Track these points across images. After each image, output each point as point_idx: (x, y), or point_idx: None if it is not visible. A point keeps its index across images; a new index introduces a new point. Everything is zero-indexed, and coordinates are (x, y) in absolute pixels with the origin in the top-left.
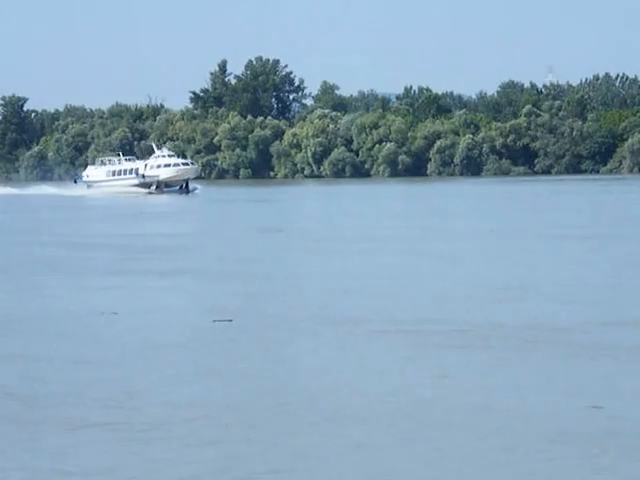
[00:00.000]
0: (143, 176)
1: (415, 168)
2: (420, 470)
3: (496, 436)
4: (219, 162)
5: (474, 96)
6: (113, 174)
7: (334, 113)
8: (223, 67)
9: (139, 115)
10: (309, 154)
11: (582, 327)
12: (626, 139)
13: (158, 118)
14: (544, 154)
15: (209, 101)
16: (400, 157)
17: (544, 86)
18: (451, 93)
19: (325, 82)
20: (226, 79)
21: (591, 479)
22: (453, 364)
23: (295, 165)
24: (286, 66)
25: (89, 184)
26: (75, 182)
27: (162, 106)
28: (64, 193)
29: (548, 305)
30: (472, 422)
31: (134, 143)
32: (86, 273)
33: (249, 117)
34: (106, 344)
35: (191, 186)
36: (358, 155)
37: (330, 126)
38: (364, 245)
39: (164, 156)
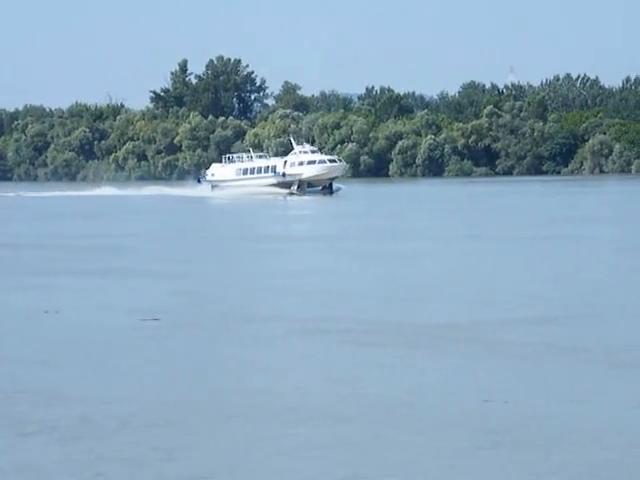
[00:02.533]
0: (284, 174)
1: (377, 169)
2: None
3: (383, 427)
4: (180, 162)
5: (436, 96)
6: (244, 172)
7: (296, 113)
8: (184, 67)
9: (99, 115)
10: (271, 154)
11: (484, 325)
12: (587, 140)
13: (118, 118)
14: (505, 155)
15: (170, 101)
16: (362, 157)
17: (505, 87)
18: (413, 93)
19: (286, 82)
20: (187, 79)
21: (473, 468)
22: (359, 361)
23: None
24: (247, 66)
25: (214, 184)
26: (199, 182)
27: (122, 106)
28: (186, 194)
29: (458, 304)
30: (368, 414)
31: (94, 143)
32: (24, 273)
33: (210, 117)
34: (30, 341)
35: (335, 186)
36: None
37: (292, 126)
38: (304, 244)
39: (306, 152)
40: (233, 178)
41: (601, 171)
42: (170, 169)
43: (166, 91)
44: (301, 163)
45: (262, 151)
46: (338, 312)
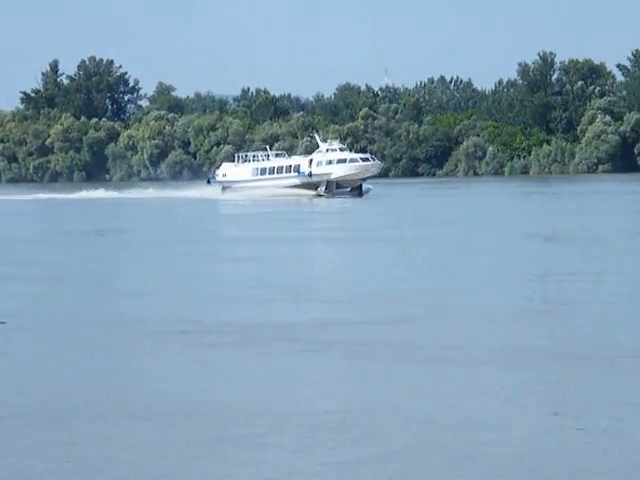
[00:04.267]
0: (310, 174)
1: None
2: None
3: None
4: (52, 164)
5: (311, 98)
6: (262, 172)
7: (170, 115)
8: (55, 67)
9: None
10: (145, 156)
11: (326, 325)
12: (461, 142)
13: None
14: (381, 157)
15: (41, 102)
16: None
17: (380, 89)
18: (288, 95)
19: (161, 83)
20: (58, 79)
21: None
22: (187, 362)
23: (131, 167)
24: (120, 67)
25: (226, 185)
26: (208, 182)
27: None
28: (191, 196)
29: (306, 304)
30: (182, 412)
31: None
32: None
33: (83, 118)
34: None
35: (364, 187)
36: (196, 157)
37: (167, 128)
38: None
39: (335, 150)
40: (249, 179)
41: (475, 173)
42: (42, 171)
43: (37, 92)
44: (330, 162)
45: (137, 153)
46: (186, 314)
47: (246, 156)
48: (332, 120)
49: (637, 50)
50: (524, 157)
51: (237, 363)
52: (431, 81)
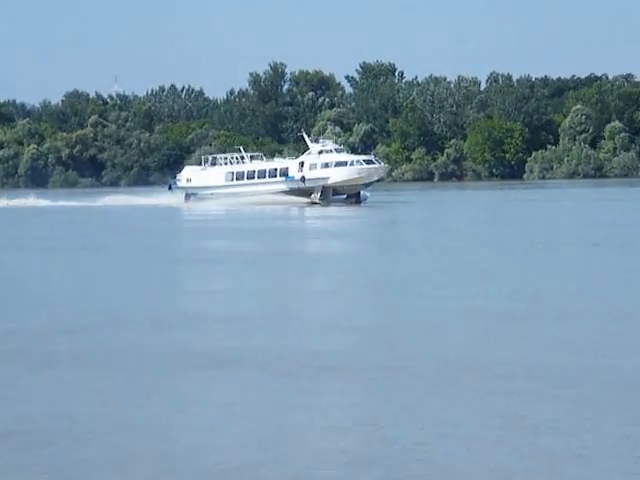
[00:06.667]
0: (303, 179)
1: None
2: None
3: None
4: None
5: (38, 105)
6: (239, 177)
7: None
8: None
9: None
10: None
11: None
12: (193, 151)
13: None
14: (112, 165)
15: None
16: None
17: (110, 96)
18: (14, 101)
19: None
20: None
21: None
22: None
23: None
24: None
25: (191, 192)
26: (170, 189)
27: None
28: (153, 204)
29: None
30: None
31: None
32: None
33: None
34: None
35: (362, 194)
36: None
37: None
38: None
39: (330, 151)
40: (221, 184)
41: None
42: None
43: None
44: (326, 165)
45: None
46: None
47: (215, 158)
48: (60, 127)
49: (364, 62)
50: None
51: None
52: (162, 89)
